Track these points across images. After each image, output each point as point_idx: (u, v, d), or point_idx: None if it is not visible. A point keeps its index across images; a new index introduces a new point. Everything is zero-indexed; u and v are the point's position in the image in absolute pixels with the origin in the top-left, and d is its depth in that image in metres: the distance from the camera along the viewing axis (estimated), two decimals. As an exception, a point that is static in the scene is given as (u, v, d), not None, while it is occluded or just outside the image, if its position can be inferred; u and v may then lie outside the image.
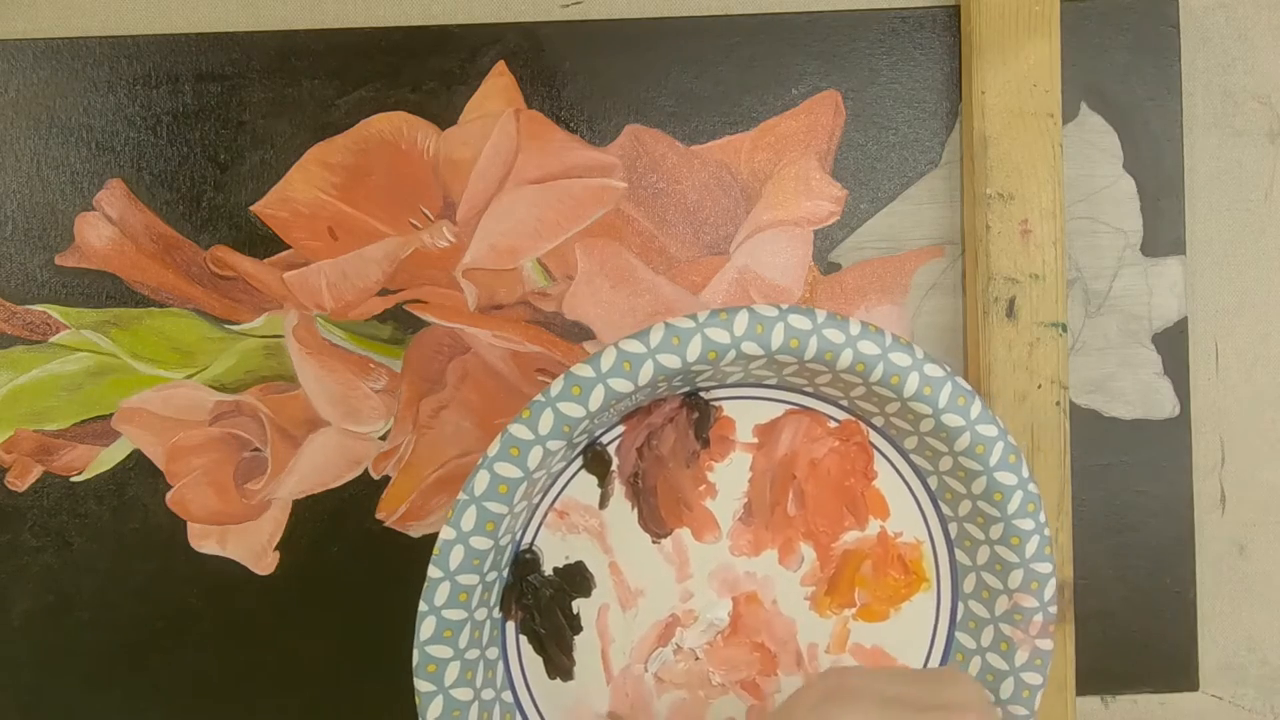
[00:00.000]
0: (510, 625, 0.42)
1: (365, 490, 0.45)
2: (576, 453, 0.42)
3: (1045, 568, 0.41)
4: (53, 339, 0.44)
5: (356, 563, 0.45)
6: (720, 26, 0.45)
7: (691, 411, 0.42)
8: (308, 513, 0.45)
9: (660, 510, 0.43)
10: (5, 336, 0.44)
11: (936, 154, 0.45)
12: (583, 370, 0.37)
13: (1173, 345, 0.46)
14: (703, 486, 0.43)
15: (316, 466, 0.45)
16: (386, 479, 0.45)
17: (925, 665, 0.43)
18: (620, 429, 0.42)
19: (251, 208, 0.44)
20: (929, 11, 0.45)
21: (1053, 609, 0.41)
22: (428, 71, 0.44)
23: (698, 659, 0.43)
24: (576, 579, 0.43)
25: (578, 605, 0.43)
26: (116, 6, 0.44)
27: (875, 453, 0.43)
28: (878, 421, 0.42)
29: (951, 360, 0.46)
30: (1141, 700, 0.47)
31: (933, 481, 0.42)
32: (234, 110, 0.44)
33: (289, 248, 0.44)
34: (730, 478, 0.43)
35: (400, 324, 0.44)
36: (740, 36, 0.45)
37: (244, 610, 0.45)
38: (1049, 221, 0.43)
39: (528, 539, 0.42)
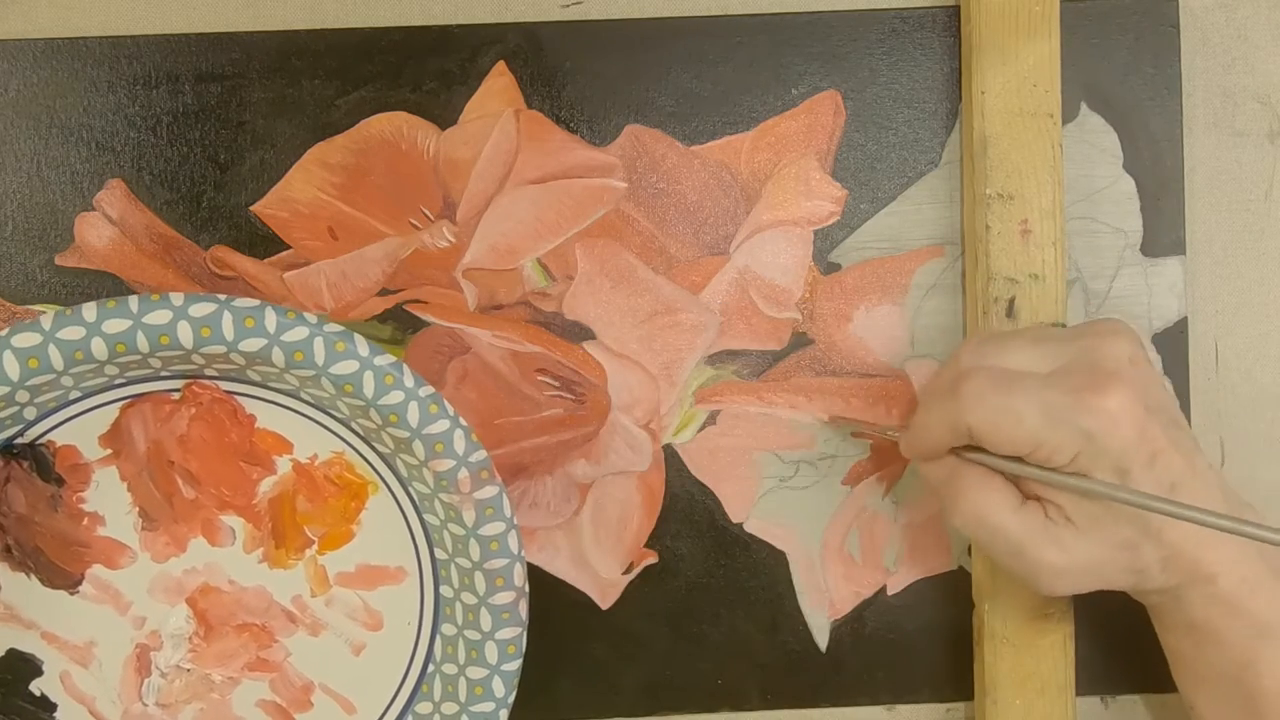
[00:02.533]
0: None
1: (365, 490, 0.45)
2: None
3: (439, 426, 0.39)
4: (52, 339, 0.44)
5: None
6: (720, 26, 0.45)
7: (22, 462, 0.41)
8: (308, 513, 0.45)
9: (57, 564, 0.42)
10: (5, 336, 0.44)
11: (936, 154, 0.45)
12: None
13: (1173, 345, 0.46)
14: (85, 520, 0.42)
15: (316, 466, 0.45)
16: (386, 479, 0.45)
17: (418, 559, 0.43)
18: None
19: (251, 208, 0.44)
20: (929, 11, 0.45)
21: (475, 458, 0.40)
22: (428, 71, 0.44)
23: (189, 670, 0.43)
24: (17, 666, 0.42)
25: (37, 687, 0.42)
26: (116, 6, 0.44)
27: (236, 399, 0.41)
28: (211, 373, 0.41)
29: (951, 360, 0.46)
30: (1141, 700, 0.47)
31: (306, 396, 0.41)
32: (234, 110, 0.44)
33: (289, 248, 0.44)
34: (107, 497, 0.42)
35: (400, 324, 0.44)
36: (740, 36, 0.45)
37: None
38: (1049, 221, 0.43)
39: None
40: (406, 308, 0.44)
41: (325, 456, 0.42)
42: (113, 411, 0.42)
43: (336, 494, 0.42)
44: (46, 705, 0.42)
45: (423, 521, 0.42)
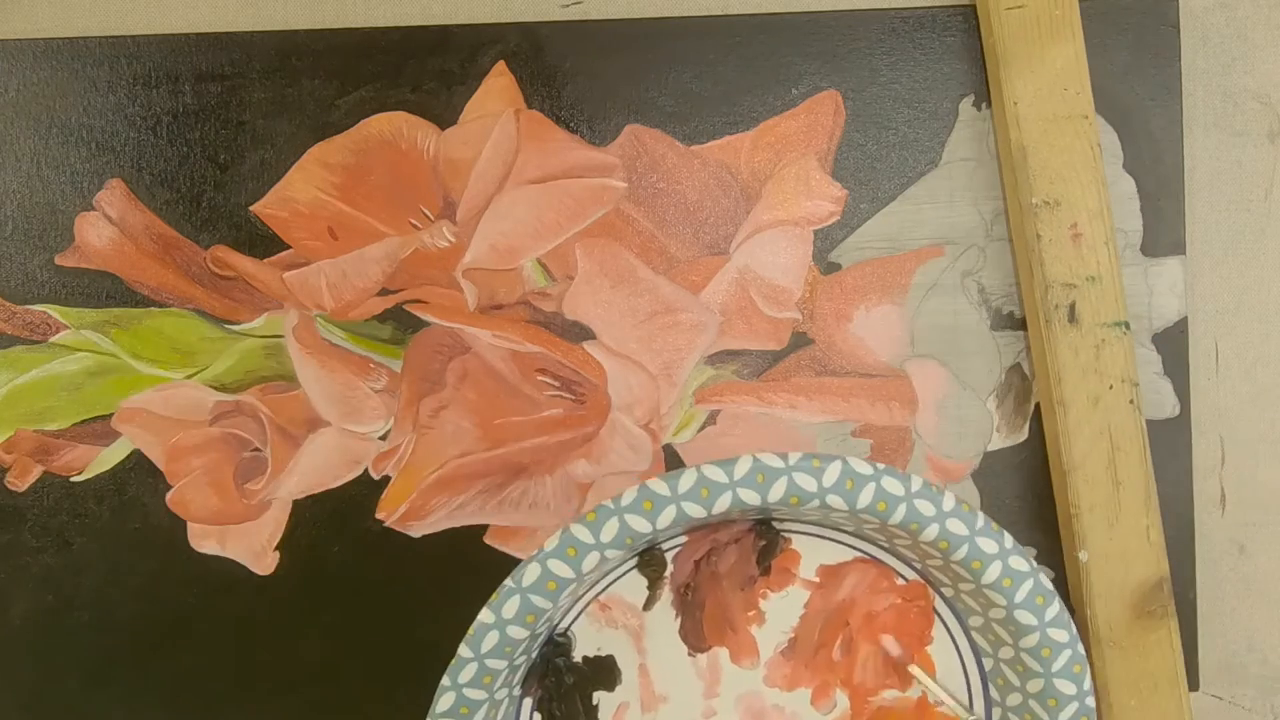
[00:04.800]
0: (527, 701, 0.42)
1: (365, 490, 0.45)
2: (634, 554, 0.42)
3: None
4: (53, 339, 0.44)
5: (356, 562, 0.45)
6: (720, 26, 0.45)
7: (759, 539, 0.42)
8: (308, 513, 0.45)
9: (704, 626, 0.43)
10: (5, 336, 0.44)
11: (936, 154, 0.45)
12: (659, 487, 0.37)
13: (1173, 345, 0.46)
14: (752, 612, 0.43)
15: (316, 466, 0.45)
16: (386, 479, 0.45)
17: None
18: (683, 538, 0.42)
19: (251, 208, 0.44)
20: (929, 11, 0.45)
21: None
22: (428, 71, 0.44)
23: None
24: (603, 672, 0.43)
25: (598, 697, 0.43)
26: (116, 6, 0.44)
27: (936, 618, 0.43)
28: (947, 592, 0.42)
29: (955, 362, 0.46)
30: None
31: (987, 663, 0.43)
32: (234, 110, 0.44)
33: (289, 248, 0.44)
34: (782, 610, 0.43)
35: (400, 324, 0.44)
36: (740, 36, 0.45)
37: (243, 610, 0.45)
38: (1098, 222, 0.43)
39: (565, 624, 0.42)
40: (406, 308, 0.44)
41: (947, 712, 0.43)
42: (848, 554, 0.43)
43: None
44: (591, 716, 0.43)
45: None
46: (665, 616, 0.43)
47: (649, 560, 0.42)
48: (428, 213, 0.44)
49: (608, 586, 0.42)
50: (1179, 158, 0.45)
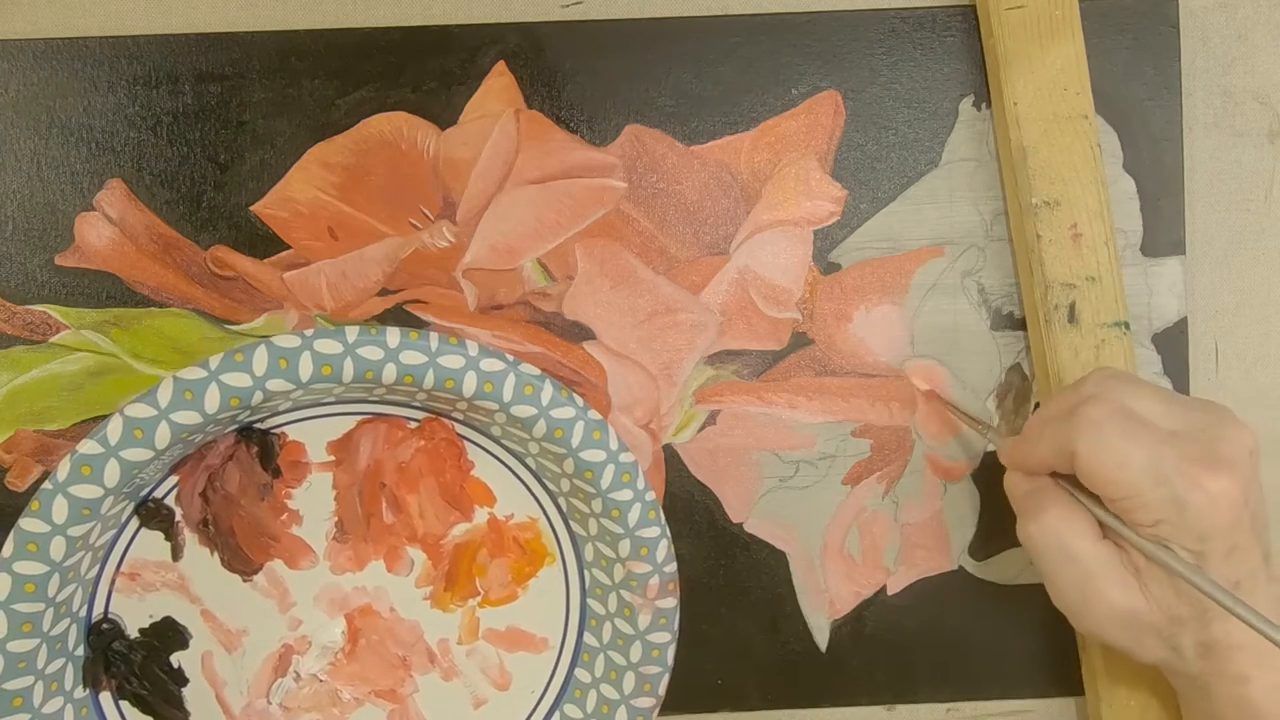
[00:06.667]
0: (106, 697, 0.42)
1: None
2: (133, 514, 0.41)
3: (651, 532, 0.42)
4: (53, 339, 0.44)
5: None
6: (720, 26, 0.45)
7: (251, 445, 0.42)
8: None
9: (244, 549, 0.42)
10: (5, 336, 0.44)
11: (936, 154, 0.45)
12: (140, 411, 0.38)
13: (1173, 345, 0.46)
14: (285, 515, 0.43)
15: (317, 466, 0.45)
16: (386, 479, 0.45)
17: (563, 637, 0.44)
18: (173, 479, 0.42)
19: (251, 208, 0.44)
20: (929, 11, 0.45)
21: (669, 569, 0.42)
22: (428, 71, 0.44)
23: (322, 681, 0.43)
24: (168, 634, 0.42)
25: (177, 659, 0.43)
26: (116, 6, 0.44)
27: (466, 444, 0.43)
28: (457, 416, 0.42)
29: (955, 360, 0.46)
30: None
31: (530, 462, 0.43)
32: (234, 110, 0.44)
33: (289, 248, 0.44)
34: (313, 500, 0.43)
35: (400, 324, 0.44)
36: (740, 36, 0.45)
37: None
38: (1098, 222, 0.43)
39: (99, 610, 0.42)
40: (406, 308, 0.44)
41: (520, 519, 0.44)
42: (349, 422, 0.43)
43: (518, 555, 0.44)
44: (179, 679, 0.43)
45: (584, 605, 0.44)
46: (201, 558, 0.42)
47: (151, 514, 0.41)
48: (428, 213, 0.44)
49: (123, 556, 0.42)
50: (1179, 158, 0.45)
